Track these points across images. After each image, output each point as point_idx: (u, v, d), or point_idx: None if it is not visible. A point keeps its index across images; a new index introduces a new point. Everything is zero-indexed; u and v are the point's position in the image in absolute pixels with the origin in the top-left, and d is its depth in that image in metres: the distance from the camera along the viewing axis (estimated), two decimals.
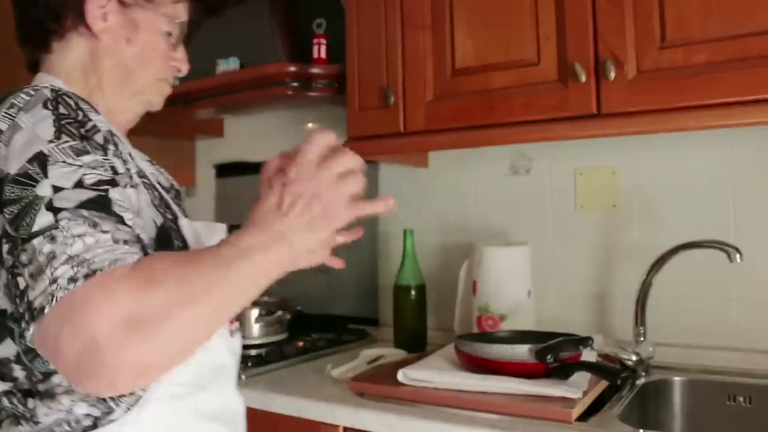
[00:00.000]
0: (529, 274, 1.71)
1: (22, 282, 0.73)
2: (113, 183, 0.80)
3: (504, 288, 1.68)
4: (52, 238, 0.72)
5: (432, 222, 2.04)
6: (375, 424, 1.31)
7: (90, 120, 0.84)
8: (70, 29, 0.97)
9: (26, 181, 0.76)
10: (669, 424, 1.48)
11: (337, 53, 1.83)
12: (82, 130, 0.82)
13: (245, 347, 1.45)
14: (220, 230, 0.96)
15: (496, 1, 1.53)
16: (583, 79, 1.40)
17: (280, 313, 1.90)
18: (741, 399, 1.44)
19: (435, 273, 1.98)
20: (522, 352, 1.33)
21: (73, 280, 0.69)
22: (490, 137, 1.57)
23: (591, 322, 1.77)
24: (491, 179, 1.95)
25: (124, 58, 1.00)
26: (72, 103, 0.84)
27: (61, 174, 0.76)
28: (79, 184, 0.76)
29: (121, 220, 0.77)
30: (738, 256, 1.40)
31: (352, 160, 0.81)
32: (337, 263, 0.90)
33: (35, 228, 0.73)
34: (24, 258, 0.73)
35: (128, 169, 0.88)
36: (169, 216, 0.94)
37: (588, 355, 1.42)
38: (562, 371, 1.32)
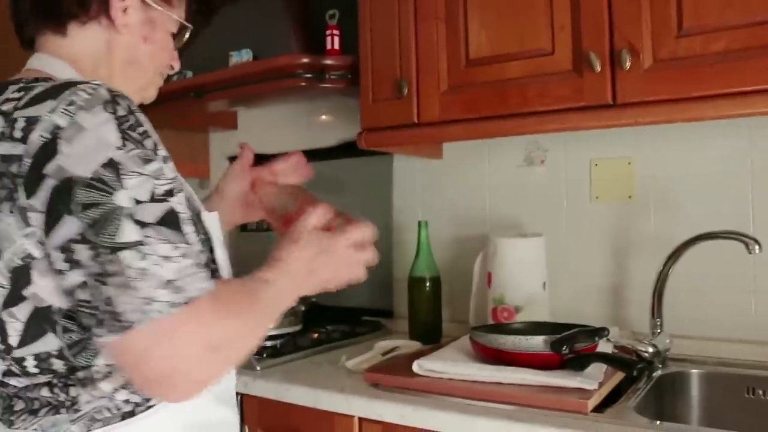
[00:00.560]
0: (544, 266, 1.70)
1: (107, 291, 0.77)
2: (175, 192, 0.85)
3: (519, 280, 1.67)
4: (143, 256, 0.78)
5: (446, 213, 2.03)
6: (390, 415, 1.31)
7: (141, 125, 0.85)
8: (93, 18, 0.98)
9: (102, 186, 0.79)
10: (686, 417, 1.47)
11: (351, 44, 1.83)
12: (139, 136, 0.84)
13: None
14: (215, 219, 1.00)
15: None
16: (599, 68, 1.39)
17: (295, 304, 1.90)
18: (760, 392, 1.42)
19: (449, 264, 1.98)
20: (537, 343, 1.33)
21: (171, 305, 0.77)
22: (504, 128, 1.56)
23: (606, 314, 1.76)
24: (506, 170, 1.94)
25: (138, 55, 1.03)
26: (126, 105, 0.85)
27: (135, 185, 0.80)
28: (153, 197, 0.81)
29: (190, 237, 0.83)
30: (757, 247, 1.38)
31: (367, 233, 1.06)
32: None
33: (122, 240, 0.78)
34: (111, 268, 0.77)
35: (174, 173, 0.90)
36: (194, 211, 0.97)
37: (604, 347, 1.41)
38: (577, 362, 1.31)
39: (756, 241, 1.38)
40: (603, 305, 1.77)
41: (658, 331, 1.53)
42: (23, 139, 0.81)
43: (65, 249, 0.79)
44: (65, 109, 0.81)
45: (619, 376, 1.36)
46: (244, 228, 2.36)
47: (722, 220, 1.56)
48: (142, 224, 0.79)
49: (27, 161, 0.80)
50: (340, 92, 1.97)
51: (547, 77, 1.47)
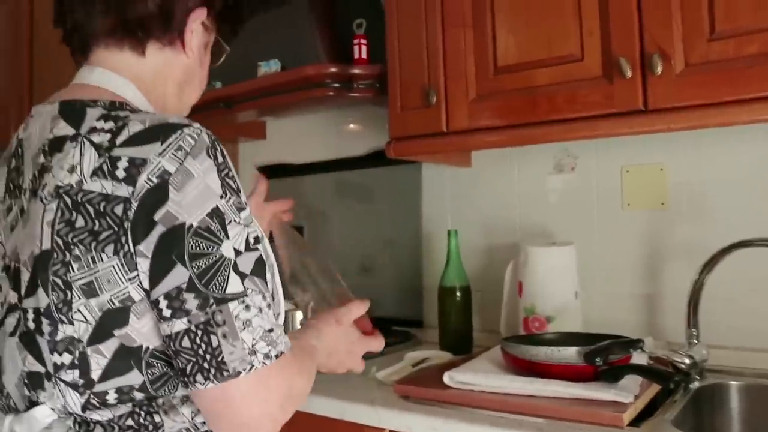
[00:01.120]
0: (575, 275, 1.68)
1: (215, 340, 0.80)
2: (261, 238, 0.89)
3: (550, 289, 1.65)
4: (247, 307, 0.82)
5: (476, 222, 2.02)
6: (421, 427, 1.30)
7: (231, 169, 0.87)
8: (174, 41, 1.00)
9: (210, 237, 0.81)
10: (725, 431, 1.43)
11: (378, 53, 1.83)
12: (233, 183, 0.86)
13: None
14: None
15: None
16: (629, 74, 1.37)
17: None
18: None
19: (480, 274, 1.96)
20: (570, 354, 1.30)
21: (268, 357, 0.83)
22: (533, 135, 1.54)
23: (640, 323, 1.72)
24: (535, 178, 1.92)
25: (194, 77, 1.05)
26: (221, 150, 0.86)
27: (235, 234, 0.83)
28: (248, 247, 0.85)
29: (270, 285, 0.89)
30: None
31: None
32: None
33: (229, 291, 0.81)
34: (219, 318, 0.80)
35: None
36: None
37: (638, 358, 1.38)
38: (611, 374, 1.28)
39: None
40: (636, 314, 1.74)
41: (695, 341, 1.49)
42: (128, 181, 0.81)
43: (172, 297, 0.80)
44: (174, 155, 0.81)
45: (655, 388, 1.33)
46: None
47: (757, 227, 1.52)
48: (243, 275, 0.82)
49: (134, 204, 0.80)
50: (369, 101, 1.97)
51: (576, 84, 1.45)
